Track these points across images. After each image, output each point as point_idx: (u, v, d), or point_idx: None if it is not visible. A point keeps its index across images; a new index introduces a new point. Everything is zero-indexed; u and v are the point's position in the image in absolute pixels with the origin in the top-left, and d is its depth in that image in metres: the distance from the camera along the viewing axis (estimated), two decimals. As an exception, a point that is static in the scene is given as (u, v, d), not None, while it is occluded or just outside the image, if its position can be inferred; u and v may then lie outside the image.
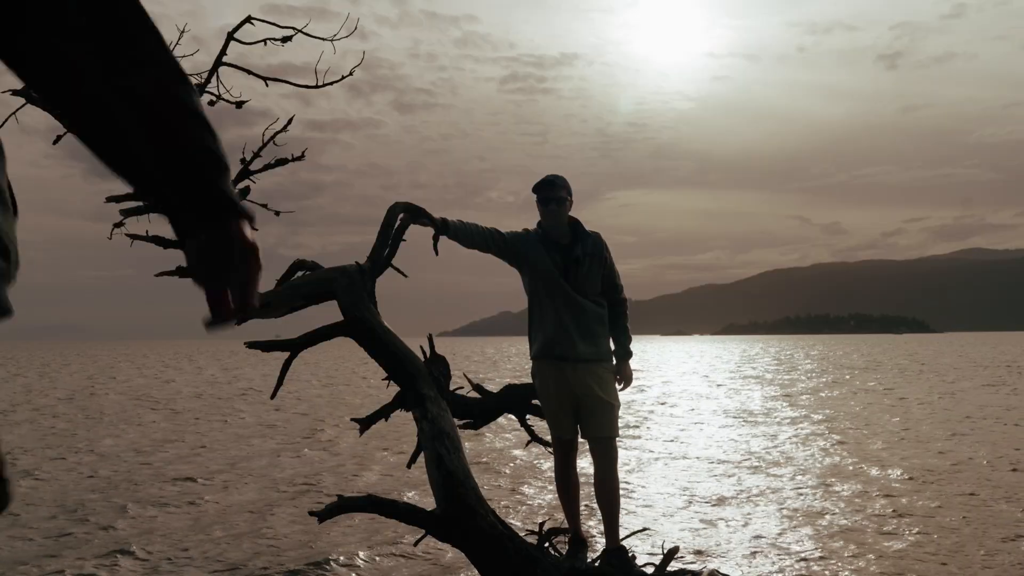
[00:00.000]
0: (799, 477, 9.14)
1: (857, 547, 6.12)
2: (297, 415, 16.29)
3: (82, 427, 14.48)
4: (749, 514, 7.29)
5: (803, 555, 5.92)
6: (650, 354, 63.67)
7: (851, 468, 9.68)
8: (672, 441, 12.36)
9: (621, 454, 4.86)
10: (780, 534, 6.55)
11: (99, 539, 6.32)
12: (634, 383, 4.58)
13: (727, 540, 6.37)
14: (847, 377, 29.41)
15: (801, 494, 8.18)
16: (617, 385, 4.40)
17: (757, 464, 10.10)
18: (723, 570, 5.25)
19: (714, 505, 7.70)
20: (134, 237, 5.05)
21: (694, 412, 16.92)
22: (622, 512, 4.49)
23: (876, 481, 8.84)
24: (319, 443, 12.17)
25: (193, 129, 1.01)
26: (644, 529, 6.43)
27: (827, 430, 13.47)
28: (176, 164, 0.99)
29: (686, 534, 6.55)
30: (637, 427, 13.95)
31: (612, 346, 4.43)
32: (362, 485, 8.56)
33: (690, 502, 7.84)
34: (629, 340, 4.46)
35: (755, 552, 6.00)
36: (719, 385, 25.77)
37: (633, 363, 4.45)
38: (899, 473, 9.24)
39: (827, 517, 7.14)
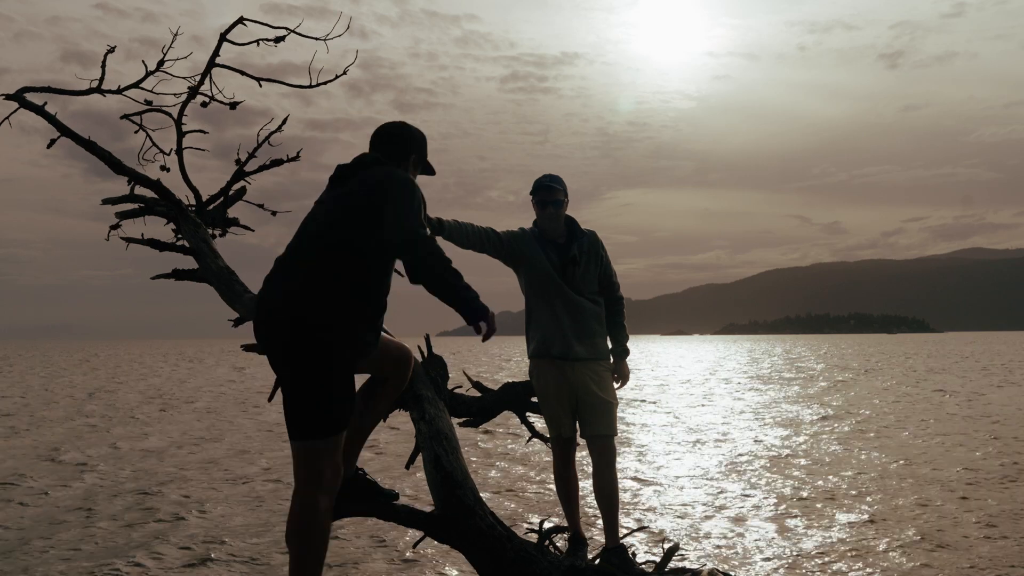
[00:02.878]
0: (810, 475, 9.13)
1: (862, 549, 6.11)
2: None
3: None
4: (749, 512, 7.29)
5: (807, 554, 5.91)
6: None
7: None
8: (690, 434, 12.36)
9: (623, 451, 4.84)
10: (780, 533, 6.54)
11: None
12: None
13: (728, 539, 6.36)
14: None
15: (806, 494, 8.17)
16: (615, 383, 4.39)
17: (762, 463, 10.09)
18: (723, 568, 5.24)
19: (716, 504, 7.70)
20: (129, 240, 5.04)
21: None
22: (621, 511, 4.48)
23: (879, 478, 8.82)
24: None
25: (450, 290, 3.24)
26: (644, 527, 6.44)
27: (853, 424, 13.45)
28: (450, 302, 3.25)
29: (685, 533, 6.54)
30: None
31: (609, 344, 4.42)
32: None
33: (691, 501, 7.84)
34: (626, 338, 4.45)
35: (756, 551, 6.00)
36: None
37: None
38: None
39: (831, 516, 7.14)
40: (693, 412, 16.84)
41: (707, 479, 9.03)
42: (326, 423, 3.05)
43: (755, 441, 12.23)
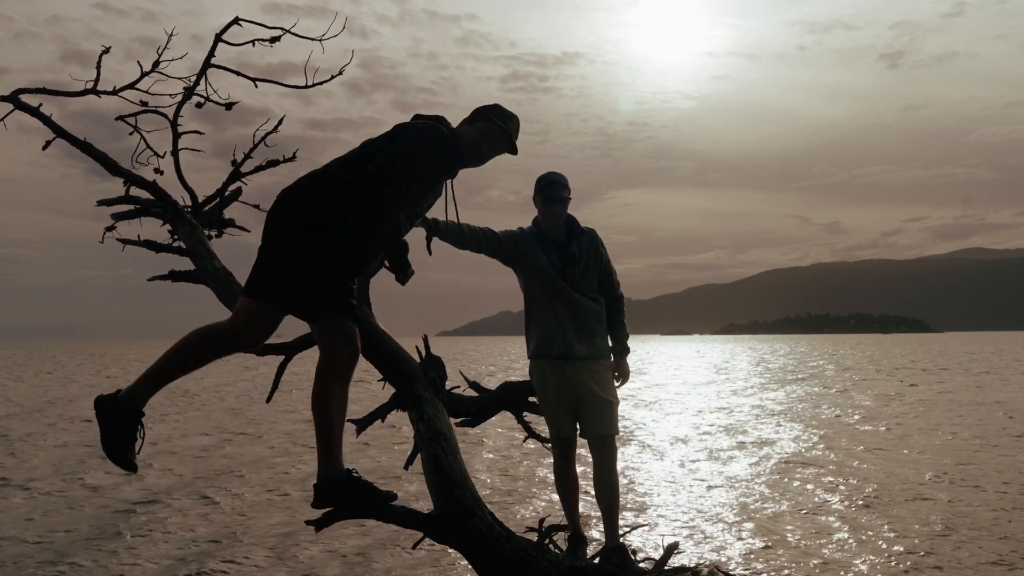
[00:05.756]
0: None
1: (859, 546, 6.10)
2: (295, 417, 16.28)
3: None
4: (749, 510, 7.27)
5: (805, 551, 5.90)
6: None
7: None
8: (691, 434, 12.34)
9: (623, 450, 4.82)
10: (779, 530, 6.52)
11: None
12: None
13: (727, 537, 6.35)
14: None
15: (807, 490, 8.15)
16: (615, 382, 4.37)
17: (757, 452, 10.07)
18: (723, 567, 5.22)
19: (714, 502, 7.69)
20: (125, 242, 5.03)
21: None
22: (621, 510, 4.46)
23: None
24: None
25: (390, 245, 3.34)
26: (644, 525, 6.42)
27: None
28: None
29: (686, 530, 6.53)
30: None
31: (610, 343, 4.40)
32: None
33: (689, 499, 7.83)
34: (627, 337, 4.42)
35: (755, 548, 5.98)
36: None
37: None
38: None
39: (829, 513, 7.12)
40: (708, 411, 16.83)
41: (710, 478, 9.02)
42: (312, 300, 3.13)
43: (766, 442, 12.21)
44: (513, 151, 3.54)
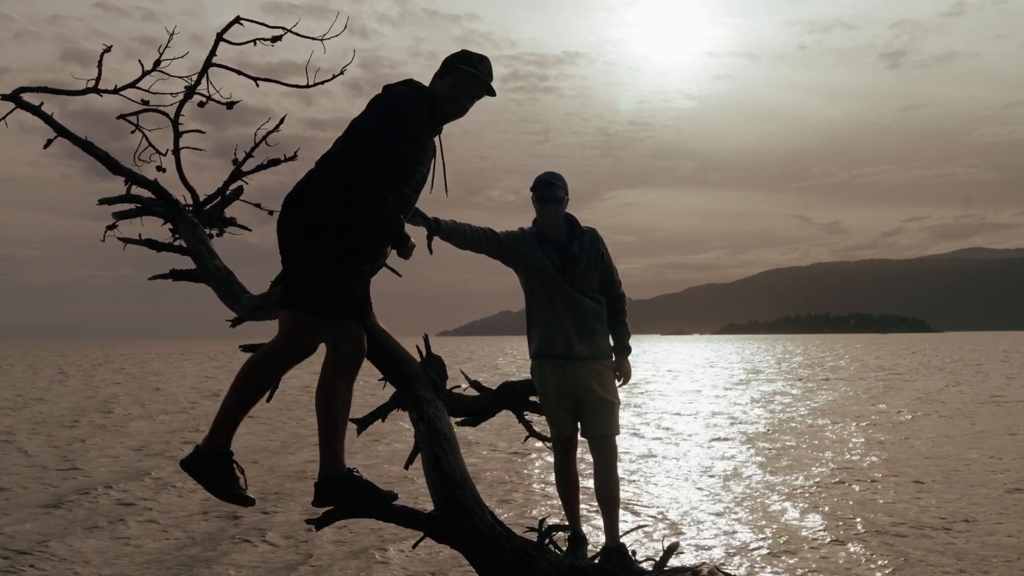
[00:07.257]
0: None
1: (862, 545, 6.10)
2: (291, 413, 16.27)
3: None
4: (752, 512, 7.26)
5: (808, 551, 5.90)
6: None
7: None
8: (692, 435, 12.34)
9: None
10: (783, 529, 6.52)
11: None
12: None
13: (727, 536, 6.34)
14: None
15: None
16: (616, 382, 4.37)
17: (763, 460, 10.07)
18: (723, 568, 5.22)
19: (715, 500, 7.68)
20: (126, 240, 5.03)
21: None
22: (622, 510, 4.47)
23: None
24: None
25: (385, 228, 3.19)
26: (644, 526, 6.42)
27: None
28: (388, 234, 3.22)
29: (685, 531, 6.53)
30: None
31: (611, 342, 4.40)
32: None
33: (690, 498, 7.82)
34: (628, 336, 4.43)
35: (757, 548, 5.98)
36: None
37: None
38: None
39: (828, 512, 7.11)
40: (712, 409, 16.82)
41: (711, 478, 9.02)
42: (311, 299, 3.14)
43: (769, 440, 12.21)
44: (491, 93, 3.50)
